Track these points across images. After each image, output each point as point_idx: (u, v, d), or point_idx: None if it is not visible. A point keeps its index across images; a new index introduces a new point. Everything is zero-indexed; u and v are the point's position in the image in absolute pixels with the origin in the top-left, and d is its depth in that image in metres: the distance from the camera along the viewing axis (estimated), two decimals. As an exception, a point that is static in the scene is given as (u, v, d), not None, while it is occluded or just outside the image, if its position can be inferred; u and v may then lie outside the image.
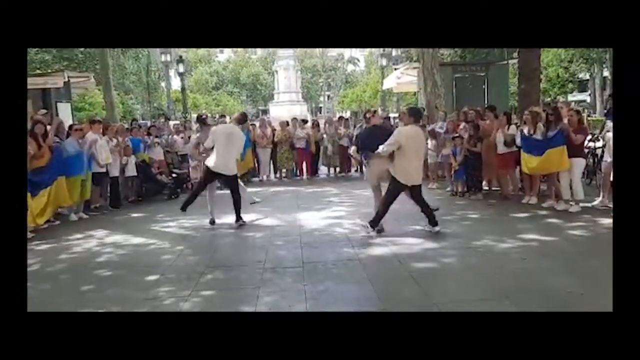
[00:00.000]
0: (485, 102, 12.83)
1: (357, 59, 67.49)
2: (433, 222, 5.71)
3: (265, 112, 46.88)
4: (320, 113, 58.99)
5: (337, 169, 11.85)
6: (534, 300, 3.65)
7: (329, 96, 68.09)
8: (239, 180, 6.79)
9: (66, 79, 12.69)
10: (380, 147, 5.48)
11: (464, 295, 3.84)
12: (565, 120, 6.73)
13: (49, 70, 17.11)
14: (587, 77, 34.91)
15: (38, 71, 18.86)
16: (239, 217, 6.48)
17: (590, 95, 36.82)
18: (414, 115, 5.72)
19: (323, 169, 12.16)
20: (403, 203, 5.88)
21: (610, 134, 6.74)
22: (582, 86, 39.59)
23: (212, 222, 6.61)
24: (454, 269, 4.53)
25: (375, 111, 7.23)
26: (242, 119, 7.09)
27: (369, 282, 4.19)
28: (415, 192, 5.71)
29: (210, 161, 6.38)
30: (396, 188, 5.62)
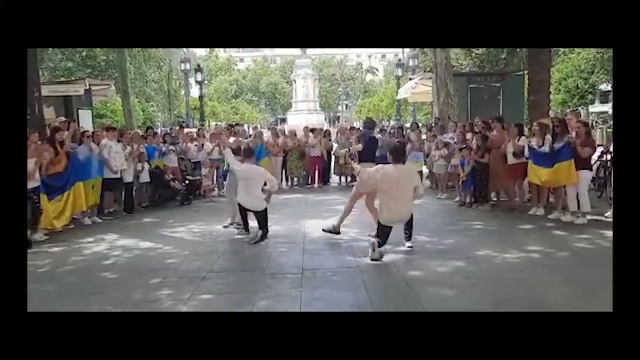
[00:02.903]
0: (501, 113, 12.78)
1: (375, 69, 67.67)
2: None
3: (284, 120, 47.27)
4: (338, 122, 59.16)
5: (349, 178, 11.91)
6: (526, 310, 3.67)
7: (347, 105, 68.31)
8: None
9: (87, 87, 13.13)
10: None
11: (456, 303, 3.88)
12: (573, 133, 6.72)
13: (72, 78, 17.66)
14: (610, 88, 34.35)
15: (62, 78, 19.49)
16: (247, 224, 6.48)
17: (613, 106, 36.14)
18: (392, 153, 5.35)
19: (335, 178, 12.25)
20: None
21: None
22: (604, 97, 38.94)
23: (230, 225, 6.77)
24: (450, 278, 4.56)
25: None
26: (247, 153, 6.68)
27: (365, 289, 4.26)
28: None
29: (239, 196, 6.33)
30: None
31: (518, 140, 7.39)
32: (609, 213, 6.77)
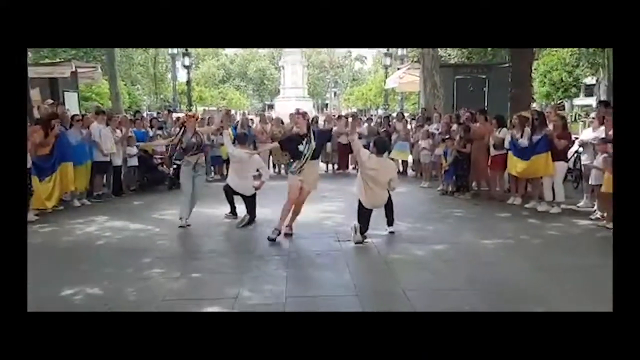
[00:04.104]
0: (486, 104, 13.04)
1: (364, 57, 67.66)
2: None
3: (272, 107, 47.17)
4: (327, 110, 59.18)
5: (336, 166, 12.13)
6: (497, 292, 3.96)
7: (335, 93, 68.29)
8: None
9: (73, 69, 13.05)
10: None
11: (433, 284, 4.14)
12: (551, 126, 7.00)
13: (57, 60, 17.48)
14: (594, 81, 34.93)
15: (47, 60, 19.26)
16: (234, 209, 6.68)
17: (596, 100, 36.78)
18: (376, 145, 5.63)
19: (322, 166, 12.44)
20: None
21: (588, 137, 7.04)
22: (589, 91, 39.62)
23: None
24: (429, 261, 4.82)
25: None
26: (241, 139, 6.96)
27: (348, 270, 4.51)
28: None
29: (230, 179, 6.58)
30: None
31: (499, 133, 7.65)
32: (582, 203, 7.13)
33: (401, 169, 11.57)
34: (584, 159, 7.19)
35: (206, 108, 27.98)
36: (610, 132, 6.15)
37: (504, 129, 7.67)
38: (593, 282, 4.09)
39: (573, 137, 8.13)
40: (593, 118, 7.58)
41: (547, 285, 4.13)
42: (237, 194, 6.49)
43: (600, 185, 6.08)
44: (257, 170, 6.58)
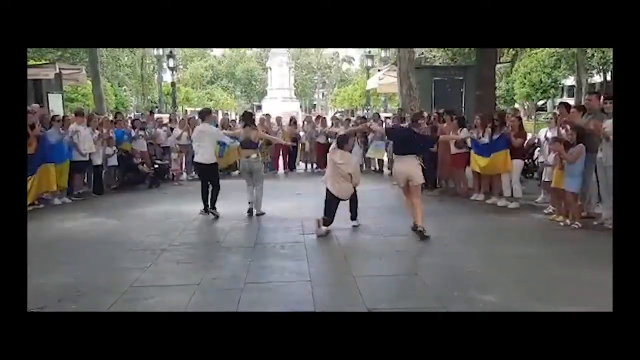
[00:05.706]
0: (463, 104, 13.48)
1: (352, 58, 68.12)
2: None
3: (260, 107, 47.36)
4: (315, 110, 59.55)
5: (314, 165, 12.48)
6: (443, 278, 4.35)
7: (323, 94, 68.69)
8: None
9: (57, 71, 13.22)
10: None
11: (381, 270, 4.52)
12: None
13: (42, 61, 17.62)
14: (574, 83, 35.65)
15: (32, 61, 19.34)
16: (207, 207, 6.97)
17: (576, 101, 37.54)
18: (337, 140, 6.13)
19: (302, 165, 12.80)
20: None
21: (547, 135, 7.46)
22: (571, 92, 40.41)
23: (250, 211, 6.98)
24: (382, 250, 5.19)
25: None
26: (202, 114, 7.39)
27: (306, 260, 4.86)
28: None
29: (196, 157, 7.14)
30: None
31: (460, 132, 8.06)
32: (539, 199, 7.54)
33: (377, 168, 11.99)
34: (541, 157, 7.62)
35: (188, 109, 28.07)
36: (563, 131, 6.58)
37: (465, 129, 8.08)
38: (532, 269, 4.50)
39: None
40: (550, 118, 8.01)
41: (489, 270, 4.51)
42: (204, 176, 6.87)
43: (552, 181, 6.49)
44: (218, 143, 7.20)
